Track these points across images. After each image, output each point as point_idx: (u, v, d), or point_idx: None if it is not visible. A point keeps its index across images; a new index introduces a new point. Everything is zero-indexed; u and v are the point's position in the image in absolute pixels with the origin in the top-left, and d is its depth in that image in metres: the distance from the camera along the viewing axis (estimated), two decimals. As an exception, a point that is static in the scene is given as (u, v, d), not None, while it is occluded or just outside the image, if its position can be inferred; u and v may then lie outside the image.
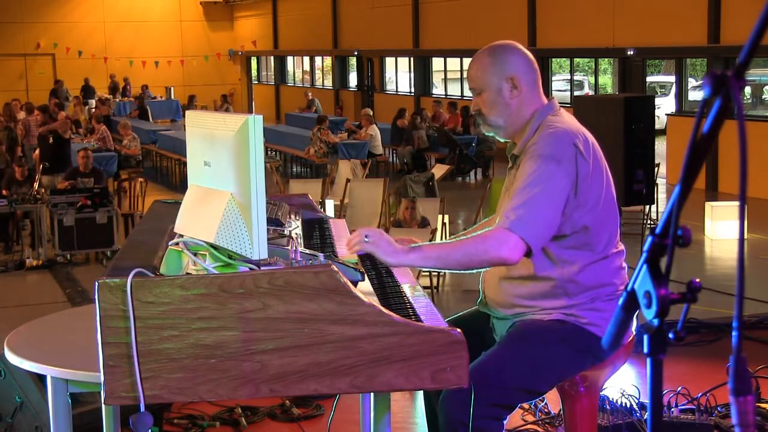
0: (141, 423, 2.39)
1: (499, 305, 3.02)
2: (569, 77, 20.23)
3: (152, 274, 2.39)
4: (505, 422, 2.84)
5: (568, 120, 2.95)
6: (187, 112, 2.93)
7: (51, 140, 12.14)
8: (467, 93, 22.27)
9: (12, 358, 3.01)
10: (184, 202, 2.82)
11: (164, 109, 27.38)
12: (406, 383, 2.42)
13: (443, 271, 2.97)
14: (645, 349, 1.44)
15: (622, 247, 3.02)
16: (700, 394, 4.50)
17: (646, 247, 1.44)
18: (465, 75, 3.18)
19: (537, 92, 2.99)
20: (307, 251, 2.76)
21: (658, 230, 1.43)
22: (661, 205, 11.38)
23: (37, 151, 12.95)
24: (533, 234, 2.74)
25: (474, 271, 2.89)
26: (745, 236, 10.27)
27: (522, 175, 2.83)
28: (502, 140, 3.09)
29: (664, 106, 19.89)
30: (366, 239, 2.74)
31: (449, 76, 23.54)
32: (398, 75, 25.97)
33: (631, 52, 16.10)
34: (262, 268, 2.44)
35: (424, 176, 12.36)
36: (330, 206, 10.67)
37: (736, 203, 9.24)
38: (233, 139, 2.52)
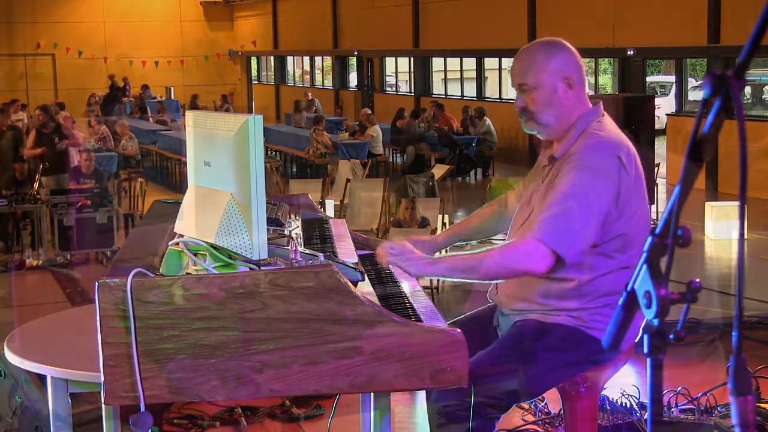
0: (141, 423, 2.39)
1: (509, 297, 2.98)
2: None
3: (152, 274, 2.39)
4: (497, 422, 2.83)
5: (612, 129, 2.90)
6: (187, 112, 2.93)
7: (58, 140, 12.10)
8: (467, 93, 22.26)
9: (12, 358, 3.01)
10: (184, 202, 2.82)
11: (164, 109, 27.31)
12: (406, 383, 2.42)
13: (467, 282, 2.88)
14: (645, 349, 1.44)
15: None
16: (700, 394, 4.50)
17: (646, 247, 1.43)
18: (513, 69, 2.99)
19: (584, 93, 2.94)
20: (307, 251, 2.76)
21: (658, 230, 1.43)
22: (661, 205, 11.38)
23: (38, 151, 12.87)
24: (566, 246, 2.69)
25: (497, 281, 2.87)
26: (745, 236, 10.25)
27: (561, 185, 2.76)
28: (543, 138, 3.00)
29: (664, 106, 19.88)
30: (391, 251, 2.72)
31: (449, 76, 23.52)
32: (398, 75, 25.97)
33: (631, 52, 16.10)
34: (262, 268, 2.44)
35: (424, 176, 12.35)
36: (330, 206, 10.67)
37: (736, 203, 9.22)
38: (233, 139, 2.52)
